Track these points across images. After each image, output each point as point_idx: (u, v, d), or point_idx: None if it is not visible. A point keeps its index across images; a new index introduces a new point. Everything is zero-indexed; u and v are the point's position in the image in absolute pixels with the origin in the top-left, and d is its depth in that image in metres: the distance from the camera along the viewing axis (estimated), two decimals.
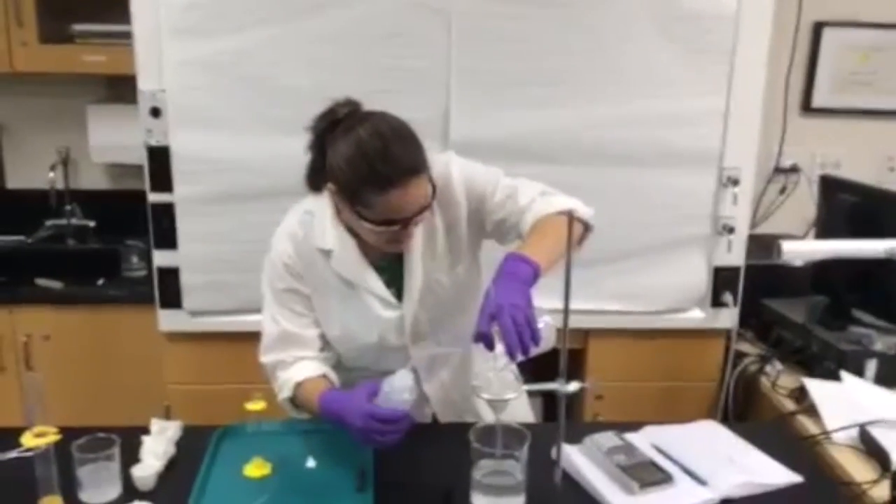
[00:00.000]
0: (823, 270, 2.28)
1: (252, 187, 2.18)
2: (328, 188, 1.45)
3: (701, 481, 1.47)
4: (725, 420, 2.37)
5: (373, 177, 1.36)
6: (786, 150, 2.88)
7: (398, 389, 1.36)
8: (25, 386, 1.33)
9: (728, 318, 2.43)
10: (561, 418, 1.32)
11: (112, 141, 2.73)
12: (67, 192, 2.91)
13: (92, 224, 2.89)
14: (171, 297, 2.32)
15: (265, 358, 1.60)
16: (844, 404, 1.90)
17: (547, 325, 1.30)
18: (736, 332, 2.44)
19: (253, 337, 1.63)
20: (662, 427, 1.66)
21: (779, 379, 2.21)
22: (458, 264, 1.60)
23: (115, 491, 1.41)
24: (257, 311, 1.64)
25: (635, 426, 1.65)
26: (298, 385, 1.54)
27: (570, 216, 1.26)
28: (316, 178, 1.50)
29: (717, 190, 2.34)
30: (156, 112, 2.19)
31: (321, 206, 1.54)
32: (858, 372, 2.05)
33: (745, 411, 2.37)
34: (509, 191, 1.57)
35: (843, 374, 2.03)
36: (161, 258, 2.30)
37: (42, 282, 2.61)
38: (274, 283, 1.58)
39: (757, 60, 2.27)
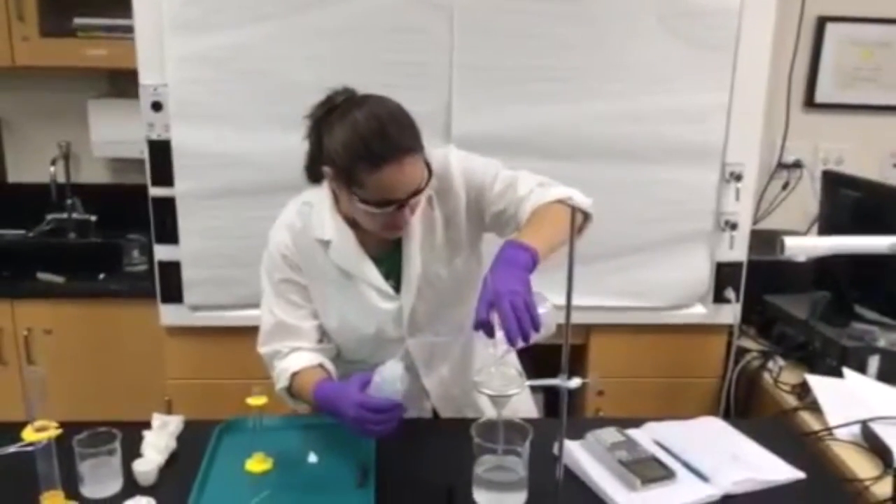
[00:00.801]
0: (826, 266, 2.27)
1: (253, 182, 2.18)
2: (325, 172, 1.46)
3: (703, 477, 1.47)
4: (727, 416, 2.37)
5: (367, 154, 1.37)
6: (789, 145, 2.87)
7: (389, 379, 1.37)
8: (27, 380, 1.33)
9: (730, 313, 2.43)
10: (563, 414, 1.31)
11: (113, 135, 2.73)
12: (69, 186, 2.91)
13: (93, 218, 2.89)
14: (173, 292, 2.32)
15: (262, 348, 1.62)
16: (847, 400, 1.90)
17: (547, 311, 1.30)
18: (738, 328, 2.43)
19: (254, 332, 1.63)
20: (664, 423, 1.65)
21: (781, 375, 2.21)
22: (457, 257, 1.60)
23: (116, 485, 1.41)
24: (258, 305, 1.64)
25: (637, 422, 1.65)
26: (294, 375, 1.55)
27: (573, 208, 1.26)
28: (314, 167, 1.52)
29: (720, 185, 2.34)
30: (157, 106, 2.18)
31: (320, 198, 1.55)
32: (861, 368, 2.05)
33: (746, 407, 2.37)
34: (508, 181, 1.57)
35: (846, 370, 2.03)
36: (162, 252, 2.30)
37: (43, 276, 2.61)
38: (272, 273, 1.59)
39: (760, 55, 2.26)
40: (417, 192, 1.42)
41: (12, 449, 1.47)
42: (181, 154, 2.20)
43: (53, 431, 1.31)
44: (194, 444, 1.53)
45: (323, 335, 1.63)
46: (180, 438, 1.56)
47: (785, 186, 2.91)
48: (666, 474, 1.45)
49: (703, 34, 2.22)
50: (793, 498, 1.45)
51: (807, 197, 2.85)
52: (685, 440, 1.57)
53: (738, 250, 2.39)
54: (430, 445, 1.55)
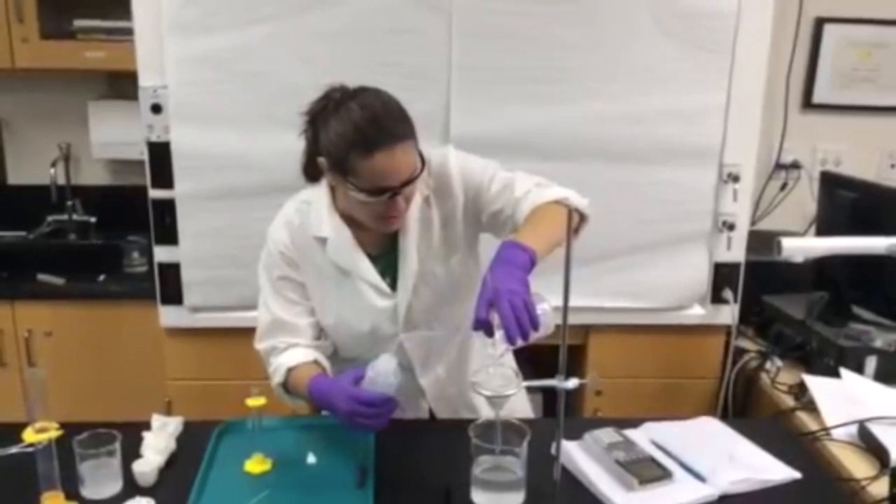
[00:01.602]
0: (824, 267, 2.28)
1: (253, 183, 2.18)
2: (321, 164, 1.48)
3: (700, 478, 1.47)
4: (725, 416, 2.38)
5: (360, 141, 1.39)
6: (786, 146, 2.88)
7: (382, 373, 1.37)
8: (27, 381, 1.32)
9: (728, 314, 2.43)
10: (560, 414, 1.32)
11: (113, 137, 2.74)
12: (69, 187, 2.91)
13: (93, 220, 2.90)
14: (172, 293, 2.32)
15: (259, 344, 1.63)
16: (844, 401, 1.90)
17: (545, 311, 1.30)
18: (736, 329, 2.44)
19: (253, 333, 1.64)
20: (662, 423, 1.66)
21: (778, 375, 2.21)
22: (453, 255, 1.61)
23: (116, 486, 1.42)
24: (257, 307, 1.64)
25: (635, 422, 1.65)
26: (290, 370, 1.56)
27: (570, 209, 1.27)
28: (311, 164, 1.53)
29: (718, 186, 2.34)
30: (156, 108, 2.19)
31: (318, 196, 1.57)
32: (858, 369, 2.06)
33: (744, 408, 2.37)
34: (505, 182, 1.58)
35: (843, 370, 2.04)
36: (162, 254, 2.30)
37: (43, 277, 2.61)
38: (269, 270, 1.61)
39: (758, 56, 2.27)
40: (410, 180, 1.43)
41: (13, 450, 1.48)
42: (181, 156, 2.21)
43: (54, 432, 1.31)
44: (194, 444, 1.54)
45: (320, 332, 1.64)
46: (180, 439, 1.57)
47: (783, 187, 2.91)
48: (663, 474, 1.45)
49: (701, 35, 2.22)
50: (790, 498, 1.46)
51: (805, 198, 2.85)
52: (682, 440, 1.58)
53: (735, 251, 2.39)
54: (428, 446, 1.56)
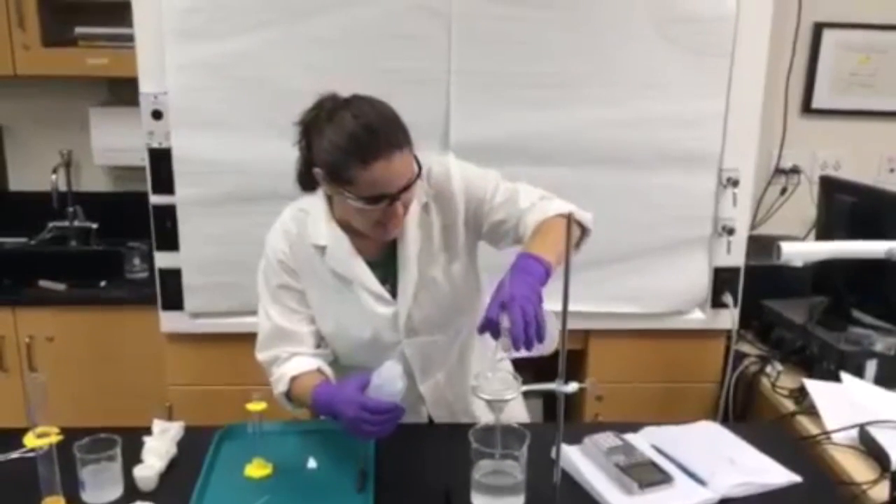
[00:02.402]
0: (824, 271, 2.28)
1: (253, 189, 2.19)
2: (317, 174, 1.48)
3: (700, 482, 1.47)
4: (725, 420, 2.38)
5: (356, 151, 1.39)
6: (786, 151, 2.88)
7: (388, 379, 1.38)
8: (28, 386, 1.33)
9: (728, 318, 2.43)
10: (560, 418, 1.32)
11: (114, 143, 2.74)
12: (70, 194, 2.91)
13: (94, 226, 2.90)
14: (173, 299, 2.33)
15: (261, 354, 1.62)
16: (844, 405, 1.90)
17: (551, 333, 1.32)
18: (736, 333, 2.44)
19: (254, 338, 1.64)
20: (662, 427, 1.66)
21: (779, 379, 2.21)
22: (454, 263, 1.62)
23: (116, 491, 1.42)
24: (257, 311, 1.65)
25: (635, 427, 1.65)
26: (293, 379, 1.56)
27: (569, 216, 1.27)
28: (306, 173, 1.53)
29: (717, 191, 2.35)
30: (157, 114, 2.20)
31: (315, 204, 1.57)
32: (858, 373, 2.05)
33: (744, 412, 2.37)
34: (509, 194, 1.59)
35: (843, 374, 2.04)
36: (163, 260, 2.31)
37: (45, 283, 2.62)
38: (269, 279, 1.61)
39: (757, 61, 2.27)
40: (408, 186, 1.43)
41: (14, 455, 1.48)
42: (181, 162, 2.21)
43: (54, 437, 1.32)
44: (194, 449, 1.54)
45: (321, 340, 1.64)
46: (180, 444, 1.57)
47: (782, 192, 2.92)
48: (663, 478, 1.45)
49: (700, 41, 2.23)
50: (790, 502, 1.45)
51: (804, 202, 2.85)
52: (683, 444, 1.58)
53: (735, 255, 2.39)
54: (428, 450, 1.56)
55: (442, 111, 2.22)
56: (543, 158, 2.23)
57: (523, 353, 1.34)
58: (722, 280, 2.41)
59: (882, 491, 1.58)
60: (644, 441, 1.60)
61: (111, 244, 2.81)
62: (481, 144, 2.20)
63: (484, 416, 1.61)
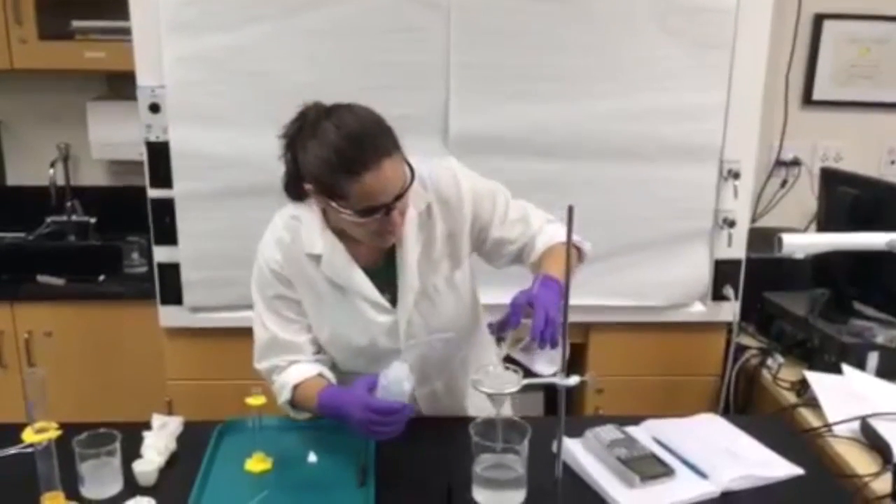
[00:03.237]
0: (825, 263, 2.27)
1: (251, 183, 2.17)
2: (307, 190, 1.44)
3: (702, 474, 1.47)
4: (726, 413, 2.37)
5: (344, 164, 1.35)
6: (787, 143, 2.87)
7: (395, 381, 1.36)
8: (26, 382, 1.32)
9: (729, 311, 2.43)
10: (561, 412, 1.32)
11: (112, 137, 2.73)
12: (68, 188, 2.91)
13: (92, 220, 2.89)
14: (172, 293, 2.32)
15: (259, 364, 1.59)
16: (846, 397, 1.90)
17: (559, 353, 1.33)
18: (737, 326, 2.43)
19: (253, 332, 1.62)
20: (663, 420, 1.66)
21: (780, 372, 2.21)
22: (457, 271, 1.60)
23: (116, 486, 1.42)
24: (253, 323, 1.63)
25: (636, 420, 1.65)
26: (296, 387, 1.53)
27: (570, 209, 1.26)
28: (293, 186, 1.50)
29: (718, 183, 2.34)
30: (155, 108, 2.19)
31: (307, 211, 1.53)
32: (860, 365, 2.05)
33: (746, 404, 2.37)
34: (522, 212, 1.61)
35: (845, 367, 2.03)
36: (161, 254, 2.30)
37: (43, 278, 2.61)
38: (263, 290, 1.57)
39: (757, 53, 2.26)
40: (402, 193, 1.39)
41: (12, 450, 1.48)
42: (179, 155, 2.20)
43: (53, 433, 1.31)
44: (194, 444, 1.54)
45: (319, 347, 1.61)
46: (180, 439, 1.56)
47: (783, 184, 2.91)
48: (665, 471, 1.45)
49: (701, 32, 2.22)
50: (792, 494, 1.45)
51: (805, 194, 2.85)
52: (684, 437, 1.58)
53: (736, 248, 2.39)
54: (429, 444, 1.55)
55: (441, 104, 2.21)
56: (543, 151, 2.23)
57: (527, 361, 1.36)
58: (723, 273, 2.41)
59: (884, 483, 1.58)
60: (645, 434, 1.60)
61: (109, 239, 2.81)
62: (481, 137, 2.20)
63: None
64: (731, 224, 2.35)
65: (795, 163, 2.89)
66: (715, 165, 2.32)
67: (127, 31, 2.18)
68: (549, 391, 2.49)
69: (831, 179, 2.41)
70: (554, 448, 1.41)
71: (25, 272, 2.62)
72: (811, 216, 2.75)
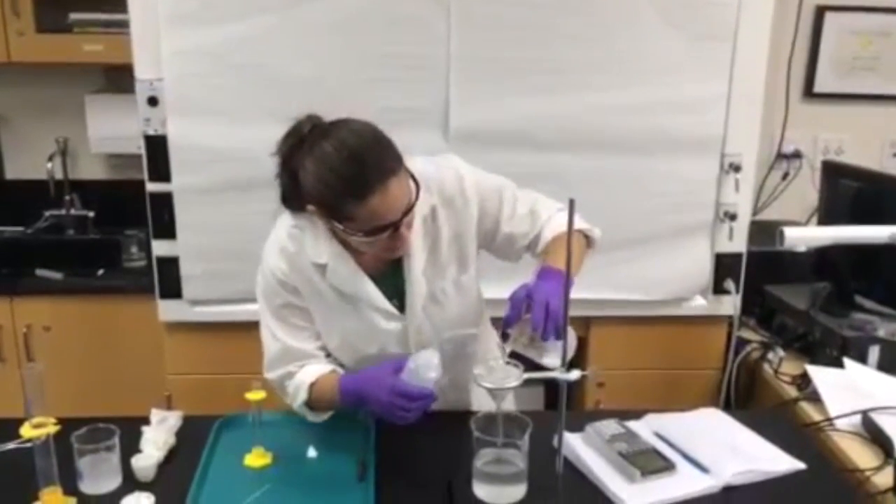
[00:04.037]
0: (826, 256, 2.27)
1: (251, 176, 2.15)
2: (310, 210, 1.42)
3: (703, 469, 1.46)
4: (727, 407, 2.37)
5: (348, 188, 1.32)
6: (788, 135, 2.86)
7: (423, 367, 1.36)
8: (24, 377, 1.32)
9: (730, 305, 2.42)
10: (562, 406, 1.31)
11: (110, 131, 2.72)
12: (66, 182, 2.90)
13: (91, 214, 2.88)
14: (171, 287, 2.31)
15: (271, 374, 1.57)
16: (847, 391, 1.90)
17: (569, 343, 1.32)
18: (738, 319, 2.43)
19: (253, 326, 1.62)
20: (664, 415, 1.65)
21: (781, 366, 2.21)
22: (464, 273, 1.58)
23: (115, 482, 1.41)
24: (256, 300, 1.62)
25: (637, 414, 1.65)
26: (313, 385, 1.52)
27: (571, 202, 1.25)
28: (293, 200, 1.47)
29: (720, 176, 2.33)
30: (153, 101, 2.17)
31: (310, 220, 1.49)
32: (861, 358, 2.05)
33: (747, 398, 2.37)
34: (530, 205, 1.59)
35: (846, 360, 2.03)
36: (160, 248, 2.29)
37: (42, 272, 2.60)
38: (270, 299, 1.54)
39: (759, 46, 2.25)
40: (409, 209, 1.37)
41: (11, 445, 1.48)
42: (178, 149, 2.19)
43: (51, 428, 1.31)
44: (193, 439, 1.53)
45: (328, 354, 1.59)
46: (179, 434, 1.56)
47: (784, 177, 2.90)
48: (666, 466, 1.45)
49: (702, 24, 2.21)
50: (793, 489, 1.45)
51: (806, 187, 2.84)
52: (685, 432, 1.57)
53: (737, 241, 2.38)
54: (429, 439, 1.55)
55: (441, 97, 2.20)
56: (545, 145, 2.22)
57: (531, 354, 1.35)
58: (724, 266, 2.40)
59: (885, 477, 1.58)
60: (646, 428, 1.59)
61: (108, 232, 2.80)
62: (481, 131, 2.19)
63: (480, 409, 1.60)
64: (732, 217, 2.35)
65: (797, 156, 2.88)
66: (716, 158, 2.32)
67: (125, 24, 2.17)
68: (550, 385, 2.50)
69: (833, 172, 2.40)
70: (555, 443, 1.41)
71: (24, 266, 2.62)
72: (812, 209, 2.74)
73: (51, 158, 2.81)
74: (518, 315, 1.36)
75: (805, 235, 2.12)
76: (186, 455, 1.49)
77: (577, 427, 1.54)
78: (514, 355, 1.39)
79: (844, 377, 1.98)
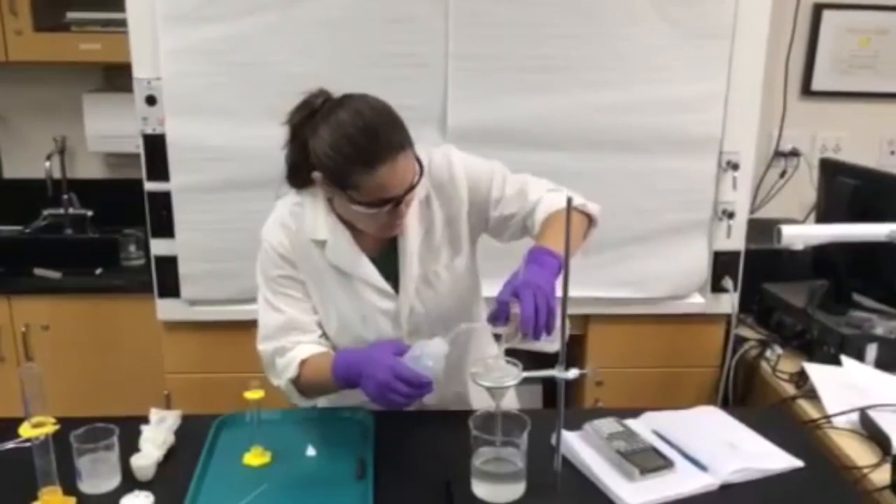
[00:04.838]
0: (824, 254, 2.27)
1: (249, 175, 2.17)
2: (315, 177, 1.44)
3: (701, 467, 1.46)
4: (726, 405, 2.38)
5: (360, 156, 1.35)
6: (786, 133, 2.87)
7: (427, 355, 1.35)
8: (23, 377, 1.32)
9: (728, 303, 2.42)
10: (560, 405, 1.31)
11: (108, 130, 2.72)
12: (64, 181, 2.90)
13: (89, 213, 2.88)
14: (170, 286, 2.31)
15: (264, 346, 1.57)
16: (845, 389, 1.90)
17: (558, 329, 1.31)
18: (736, 317, 2.43)
19: (252, 326, 1.62)
20: (663, 413, 1.65)
21: (779, 364, 2.21)
22: (457, 257, 1.60)
23: (114, 481, 1.41)
24: (255, 300, 1.63)
25: (635, 412, 1.65)
26: (304, 362, 1.52)
27: (570, 201, 1.26)
28: (297, 174, 1.50)
29: (717, 174, 2.33)
30: (151, 100, 2.17)
31: (311, 198, 1.53)
32: (859, 356, 2.05)
33: (745, 396, 2.37)
34: (519, 186, 1.58)
35: (844, 358, 2.03)
36: (158, 247, 2.29)
37: (40, 272, 2.60)
38: (269, 270, 1.56)
39: (756, 43, 2.25)
40: (412, 188, 1.41)
41: (10, 445, 1.47)
42: (176, 148, 2.19)
43: (50, 427, 1.31)
44: (192, 438, 1.53)
45: (323, 331, 1.60)
46: (178, 433, 1.56)
47: (782, 175, 2.90)
48: (664, 464, 1.45)
49: (700, 23, 2.21)
50: (791, 486, 1.45)
51: (804, 185, 2.85)
52: (683, 430, 1.57)
53: (735, 239, 2.38)
54: (428, 438, 1.55)
55: (439, 95, 2.20)
56: (542, 143, 2.22)
57: (527, 345, 1.34)
58: (722, 264, 2.40)
59: (883, 475, 1.58)
60: (645, 426, 1.59)
61: (106, 231, 2.80)
62: (479, 129, 2.19)
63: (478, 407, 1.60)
64: (730, 215, 2.35)
65: (794, 153, 2.88)
66: (714, 156, 2.32)
67: (123, 23, 2.17)
68: (548, 384, 2.50)
69: (830, 170, 2.41)
70: (553, 441, 1.41)
71: (22, 266, 2.62)
72: (810, 207, 2.74)
73: (49, 157, 2.81)
74: (504, 318, 1.32)
75: (803, 233, 2.12)
76: (185, 454, 1.49)
77: (575, 425, 1.54)
78: (512, 351, 1.39)
79: (842, 375, 1.98)
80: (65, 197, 2.87)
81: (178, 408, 1.64)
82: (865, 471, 1.61)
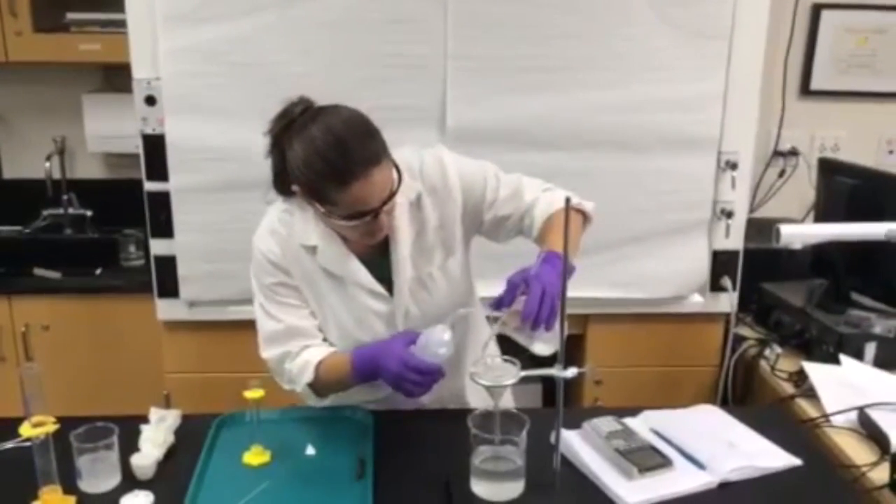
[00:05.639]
0: (823, 254, 2.27)
1: (248, 175, 2.15)
2: (294, 190, 1.45)
3: (700, 465, 1.47)
4: (725, 404, 2.38)
5: (332, 173, 1.35)
6: (784, 133, 2.87)
7: (433, 342, 1.39)
8: (23, 376, 1.32)
9: (727, 302, 2.43)
10: (559, 403, 1.32)
11: (108, 130, 2.73)
12: (64, 181, 2.90)
13: (89, 213, 2.88)
14: (169, 287, 2.31)
15: (269, 352, 1.57)
16: (844, 387, 1.90)
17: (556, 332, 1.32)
18: (735, 317, 2.43)
19: (251, 325, 1.62)
20: (661, 411, 1.65)
21: (778, 363, 2.21)
22: (450, 258, 1.59)
23: (114, 480, 1.41)
24: (254, 299, 1.63)
25: (634, 411, 1.65)
26: (320, 364, 1.53)
27: (568, 200, 1.26)
28: (281, 182, 1.49)
29: (716, 174, 2.33)
30: (150, 100, 2.18)
31: (301, 204, 1.51)
32: (857, 355, 2.05)
33: (744, 395, 2.37)
34: (513, 187, 1.58)
35: (843, 357, 2.04)
36: (158, 247, 2.30)
37: (40, 272, 2.61)
38: (262, 279, 1.56)
39: (755, 43, 2.25)
40: (390, 197, 1.40)
41: (10, 444, 1.48)
42: (175, 148, 2.20)
43: (50, 427, 1.31)
44: (192, 437, 1.53)
45: (324, 337, 1.60)
46: (178, 432, 1.56)
47: (781, 174, 2.90)
48: (663, 462, 1.45)
49: (699, 22, 2.21)
50: (790, 485, 1.45)
51: (803, 185, 2.85)
52: (682, 428, 1.58)
53: (734, 239, 2.38)
54: (427, 436, 1.55)
55: (438, 96, 2.20)
56: (541, 143, 2.22)
57: (521, 338, 1.35)
58: (721, 263, 2.41)
59: (881, 473, 1.59)
60: (643, 425, 1.59)
61: (106, 232, 2.80)
62: (478, 129, 2.19)
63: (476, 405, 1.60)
64: (729, 215, 2.35)
65: (793, 153, 2.88)
66: (713, 156, 2.32)
67: (122, 23, 2.17)
68: (548, 382, 2.51)
69: (829, 169, 2.41)
70: (552, 440, 1.41)
71: (22, 266, 2.62)
72: (809, 206, 2.74)
73: (48, 158, 2.81)
74: (512, 299, 1.35)
75: (801, 232, 2.12)
76: (185, 453, 1.50)
77: (574, 424, 1.55)
78: (511, 351, 1.40)
79: (841, 374, 1.98)
80: (64, 197, 2.88)
81: (178, 407, 1.64)
82: (864, 469, 1.61)
